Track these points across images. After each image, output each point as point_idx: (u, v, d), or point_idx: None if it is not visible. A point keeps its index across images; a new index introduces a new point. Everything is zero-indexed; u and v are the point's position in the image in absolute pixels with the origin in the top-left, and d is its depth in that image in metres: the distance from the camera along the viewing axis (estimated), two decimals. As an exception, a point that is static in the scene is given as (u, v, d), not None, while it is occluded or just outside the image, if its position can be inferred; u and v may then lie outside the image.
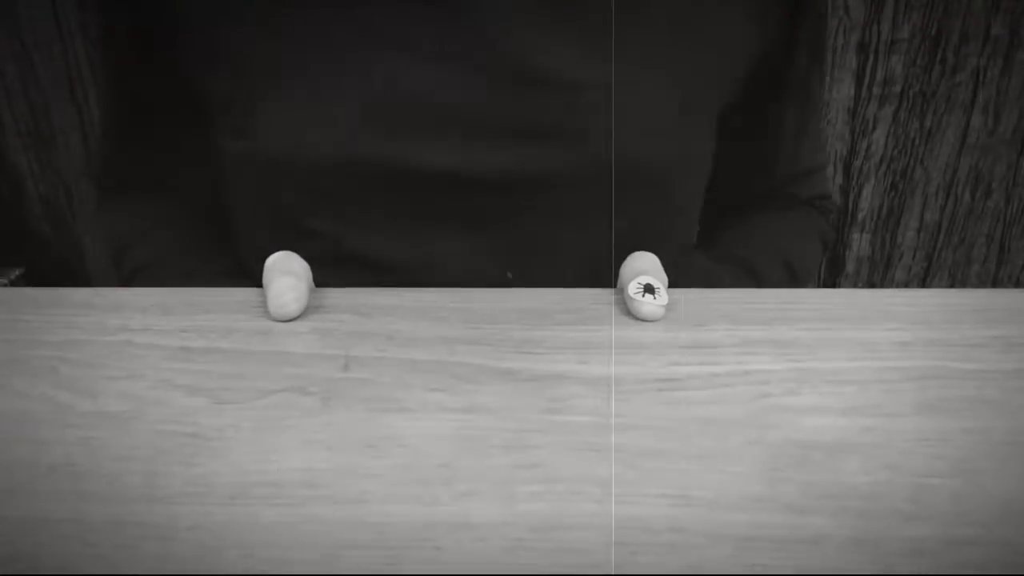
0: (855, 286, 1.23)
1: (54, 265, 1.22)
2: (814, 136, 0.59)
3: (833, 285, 1.23)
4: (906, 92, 1.07)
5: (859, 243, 1.19)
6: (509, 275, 0.49)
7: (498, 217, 0.48)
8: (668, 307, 0.39)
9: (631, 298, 0.38)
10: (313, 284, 0.41)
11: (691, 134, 0.50)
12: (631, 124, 0.47)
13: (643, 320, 0.38)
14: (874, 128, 1.10)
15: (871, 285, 1.23)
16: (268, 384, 0.33)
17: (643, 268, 0.39)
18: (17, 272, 1.16)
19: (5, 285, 1.12)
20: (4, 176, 1.15)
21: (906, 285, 1.22)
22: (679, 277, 0.45)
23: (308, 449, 0.29)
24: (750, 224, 0.59)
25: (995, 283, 1.22)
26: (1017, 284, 1.22)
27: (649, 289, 0.37)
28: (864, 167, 1.13)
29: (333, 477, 0.28)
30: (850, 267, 1.22)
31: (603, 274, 0.50)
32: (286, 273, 0.38)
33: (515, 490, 0.27)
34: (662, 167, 0.49)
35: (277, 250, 0.41)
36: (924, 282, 1.22)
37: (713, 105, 0.50)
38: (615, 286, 0.42)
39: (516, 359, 0.34)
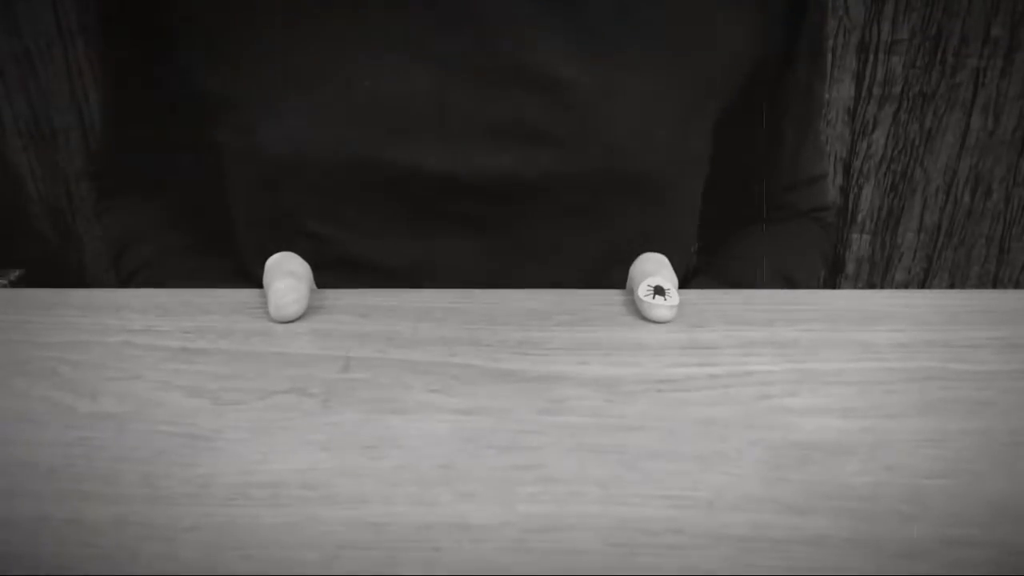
0: (855, 287, 1.23)
1: (54, 265, 1.22)
2: (814, 145, 0.59)
3: (833, 286, 1.23)
4: (906, 93, 1.07)
5: (859, 244, 1.19)
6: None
7: (496, 220, 0.48)
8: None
9: (641, 300, 0.38)
10: (314, 285, 0.41)
11: (689, 138, 0.50)
12: (628, 127, 0.47)
13: (654, 322, 0.38)
14: (874, 129, 1.10)
15: (871, 286, 1.23)
16: (268, 385, 0.33)
17: (652, 270, 0.39)
18: (17, 273, 1.16)
19: (5, 286, 1.12)
20: (4, 176, 1.15)
21: (906, 286, 1.22)
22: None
23: (308, 450, 0.29)
24: (750, 241, 0.58)
25: (995, 284, 1.22)
26: (1017, 285, 1.22)
27: (659, 291, 0.37)
28: (864, 168, 1.13)
29: (332, 478, 0.28)
30: (850, 268, 1.22)
31: (601, 276, 0.50)
32: (287, 274, 0.38)
33: (514, 491, 0.27)
34: (659, 171, 0.49)
35: (277, 251, 0.41)
36: (924, 283, 1.22)
37: (711, 109, 0.50)
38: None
39: (515, 360, 0.34)
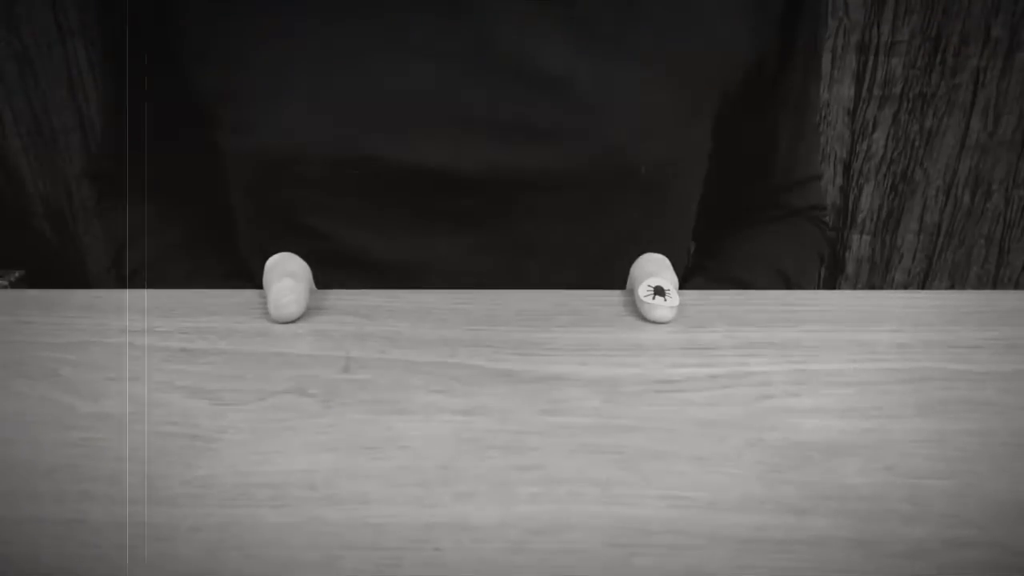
0: (855, 288, 1.23)
1: (54, 265, 1.22)
2: (810, 145, 0.59)
3: (833, 287, 1.23)
4: (906, 93, 1.07)
5: (859, 245, 1.19)
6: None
7: (495, 216, 0.48)
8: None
9: (641, 301, 0.37)
10: (314, 285, 0.41)
11: (687, 135, 0.50)
12: (626, 124, 0.47)
13: (654, 323, 0.37)
14: (874, 129, 1.10)
15: (871, 287, 1.23)
16: (268, 386, 0.33)
17: (653, 270, 0.39)
18: (17, 274, 1.16)
19: (5, 287, 1.12)
20: (4, 176, 1.16)
21: (906, 287, 1.22)
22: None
23: (308, 451, 0.29)
24: (746, 240, 0.58)
25: (995, 284, 1.22)
26: (1017, 286, 1.22)
27: (659, 291, 0.37)
28: (864, 168, 1.13)
29: (333, 478, 0.28)
30: (850, 269, 1.22)
31: (599, 273, 0.50)
32: (286, 275, 0.38)
33: (515, 491, 0.27)
34: (658, 168, 0.49)
35: (276, 247, 0.41)
36: (924, 284, 1.22)
37: (709, 107, 0.50)
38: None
39: (516, 361, 0.34)
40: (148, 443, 0.29)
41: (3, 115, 1.11)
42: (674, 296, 0.37)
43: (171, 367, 0.34)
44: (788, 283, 0.56)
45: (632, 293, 0.39)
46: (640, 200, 0.50)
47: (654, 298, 0.37)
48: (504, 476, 0.28)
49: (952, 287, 1.22)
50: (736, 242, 0.58)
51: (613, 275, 0.46)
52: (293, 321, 0.37)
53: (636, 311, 0.38)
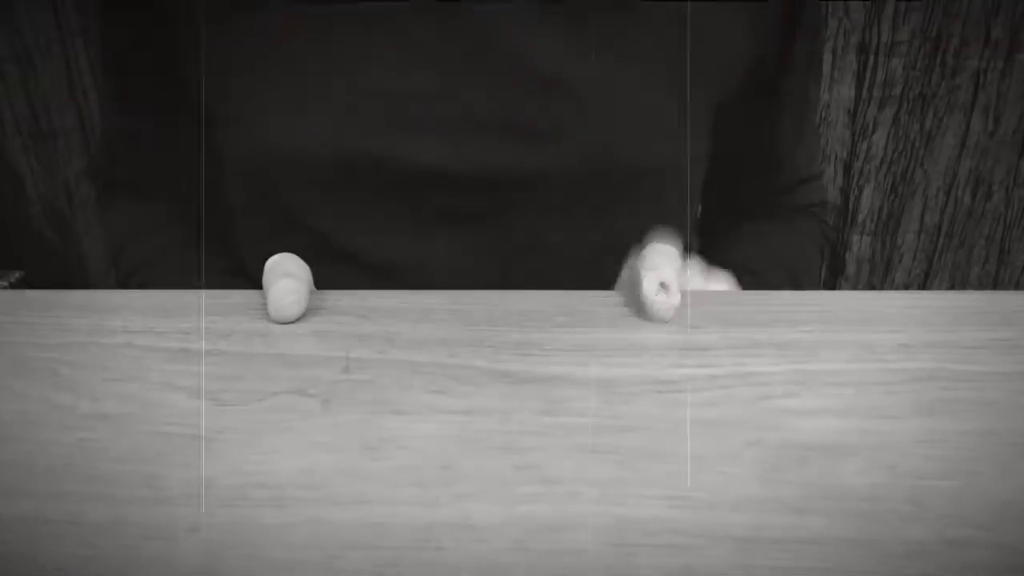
0: (855, 288, 1.23)
1: (54, 265, 1.22)
2: (810, 144, 0.59)
3: (833, 287, 1.23)
4: (906, 94, 1.07)
5: (859, 245, 1.19)
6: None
7: (493, 216, 0.48)
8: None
9: (641, 297, 0.37)
10: (313, 286, 0.41)
11: (686, 135, 0.50)
12: (626, 124, 0.47)
13: (653, 321, 0.37)
14: (874, 130, 1.10)
15: (871, 287, 1.23)
16: (268, 386, 0.33)
17: (658, 263, 0.38)
18: (17, 274, 1.16)
19: (5, 287, 1.12)
20: (4, 176, 1.15)
21: (906, 287, 1.22)
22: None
23: (308, 451, 0.29)
24: (747, 238, 0.58)
25: (995, 285, 1.22)
26: (1017, 286, 1.22)
27: (662, 286, 0.37)
28: (864, 169, 1.13)
29: (333, 479, 0.28)
30: (850, 269, 1.22)
31: (597, 272, 0.49)
32: (286, 275, 0.38)
33: (514, 491, 0.27)
34: (656, 167, 0.49)
35: (275, 246, 0.41)
36: (924, 284, 1.22)
37: (708, 107, 0.50)
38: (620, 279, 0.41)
39: (515, 361, 0.34)
40: (147, 443, 0.29)
41: (3, 115, 1.11)
42: (675, 293, 0.37)
43: (170, 367, 0.34)
44: (789, 280, 0.56)
45: (633, 284, 0.38)
46: (640, 200, 0.50)
47: (657, 294, 0.37)
48: (504, 476, 0.28)
49: (953, 287, 1.22)
50: (737, 241, 0.58)
51: (613, 275, 0.46)
52: (293, 321, 0.37)
53: (635, 311, 0.38)
